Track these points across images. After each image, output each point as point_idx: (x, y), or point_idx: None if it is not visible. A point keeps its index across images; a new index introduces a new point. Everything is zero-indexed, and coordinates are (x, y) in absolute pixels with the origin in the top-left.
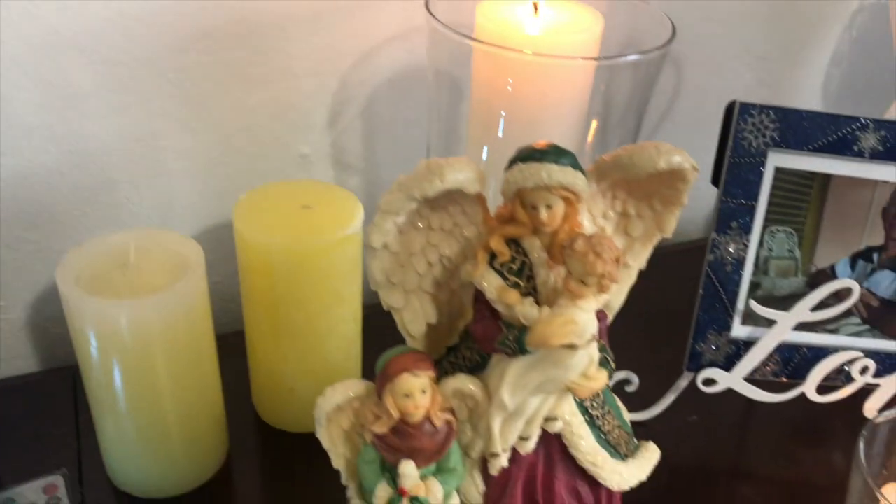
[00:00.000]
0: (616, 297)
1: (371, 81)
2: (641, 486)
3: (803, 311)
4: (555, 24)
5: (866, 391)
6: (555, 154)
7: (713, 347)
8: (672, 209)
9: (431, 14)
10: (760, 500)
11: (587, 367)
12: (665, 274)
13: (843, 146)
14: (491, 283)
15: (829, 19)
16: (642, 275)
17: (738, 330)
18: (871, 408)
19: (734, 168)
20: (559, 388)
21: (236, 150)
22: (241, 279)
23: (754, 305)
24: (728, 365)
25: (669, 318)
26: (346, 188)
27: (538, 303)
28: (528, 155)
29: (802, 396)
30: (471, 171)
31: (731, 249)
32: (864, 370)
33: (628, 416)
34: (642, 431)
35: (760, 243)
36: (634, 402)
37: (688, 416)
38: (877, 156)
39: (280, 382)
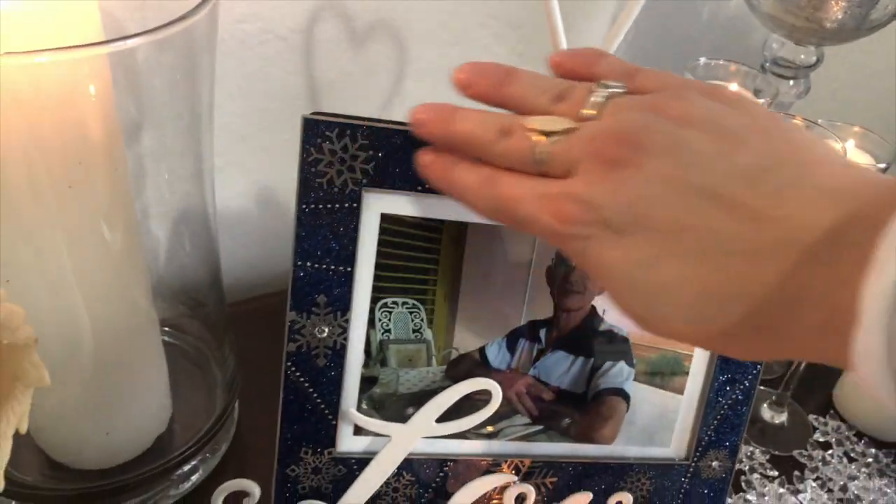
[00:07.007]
0: None
1: None
2: None
3: (426, 422)
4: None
5: None
6: None
7: (312, 471)
8: None
9: None
10: None
11: None
12: None
13: None
14: None
15: None
16: None
17: (350, 443)
18: None
19: (311, 218)
20: None
21: None
22: None
23: (354, 415)
24: (339, 493)
25: None
26: None
27: None
28: None
29: None
30: None
31: (324, 334)
32: (521, 500)
33: None
34: None
35: (371, 323)
36: None
37: None
38: None
39: None
